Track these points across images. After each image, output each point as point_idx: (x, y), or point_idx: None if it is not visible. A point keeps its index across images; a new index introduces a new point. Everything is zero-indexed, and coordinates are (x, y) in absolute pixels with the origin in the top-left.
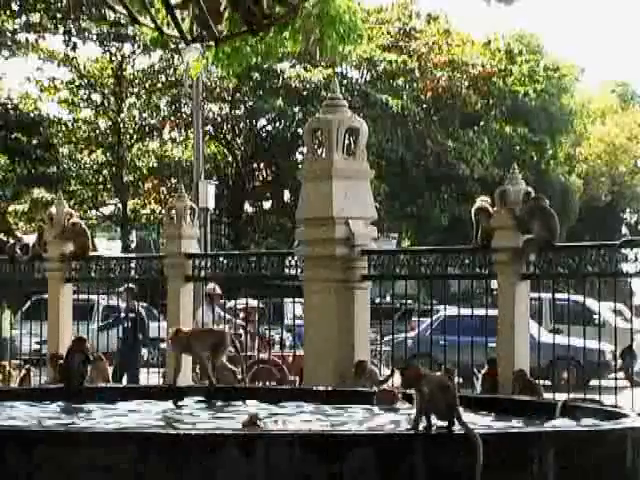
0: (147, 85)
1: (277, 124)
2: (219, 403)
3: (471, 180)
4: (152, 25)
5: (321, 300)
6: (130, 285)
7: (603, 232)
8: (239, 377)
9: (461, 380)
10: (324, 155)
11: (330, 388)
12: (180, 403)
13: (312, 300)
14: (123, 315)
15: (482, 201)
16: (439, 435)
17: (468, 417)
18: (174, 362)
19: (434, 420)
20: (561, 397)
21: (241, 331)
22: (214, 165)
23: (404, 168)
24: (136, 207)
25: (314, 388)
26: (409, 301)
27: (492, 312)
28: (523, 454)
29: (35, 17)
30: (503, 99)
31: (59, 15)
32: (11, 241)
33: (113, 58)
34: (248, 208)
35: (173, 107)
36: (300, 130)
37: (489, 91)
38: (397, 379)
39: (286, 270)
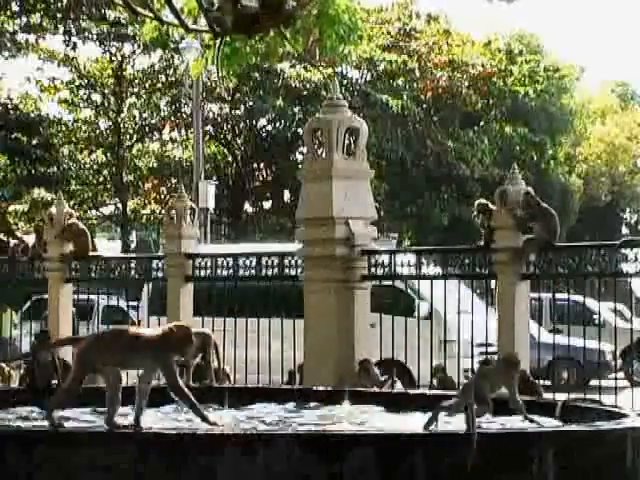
0: (147, 85)
1: (277, 124)
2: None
3: (471, 180)
4: (151, 15)
5: (321, 300)
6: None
7: (603, 232)
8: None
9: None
10: (324, 155)
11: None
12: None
13: (312, 300)
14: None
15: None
16: (439, 435)
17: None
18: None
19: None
20: (561, 397)
21: None
22: (214, 165)
23: (404, 168)
24: (136, 207)
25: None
26: None
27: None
28: (523, 454)
29: (35, 18)
30: (503, 99)
31: (59, 15)
32: (12, 241)
33: (113, 58)
34: (248, 208)
35: (173, 107)
36: (300, 130)
37: (489, 91)
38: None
39: (286, 270)
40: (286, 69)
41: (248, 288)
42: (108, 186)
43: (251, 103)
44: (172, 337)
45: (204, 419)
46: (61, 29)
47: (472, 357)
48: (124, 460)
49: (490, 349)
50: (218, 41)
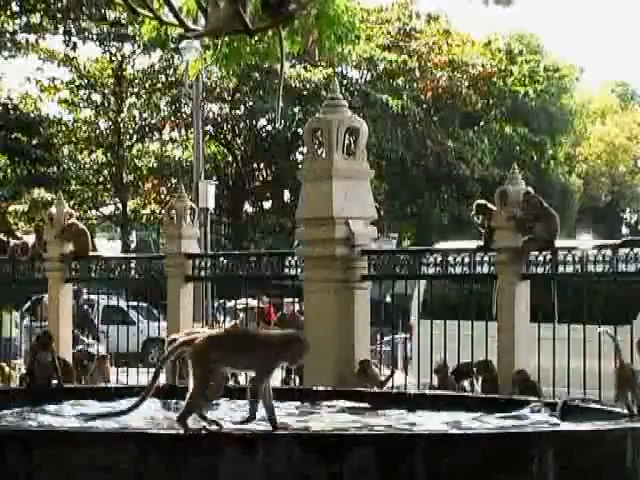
0: (147, 85)
1: (277, 124)
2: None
3: (471, 180)
4: (150, 15)
5: (321, 300)
6: (79, 287)
7: (603, 232)
8: None
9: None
10: (324, 155)
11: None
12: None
13: (312, 300)
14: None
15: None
16: (439, 435)
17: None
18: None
19: None
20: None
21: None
22: (214, 165)
23: (404, 168)
24: (136, 207)
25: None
26: None
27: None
28: (523, 454)
29: (35, 18)
30: (503, 99)
31: (59, 15)
32: (12, 241)
33: (113, 58)
34: (248, 208)
35: (173, 107)
36: (300, 130)
37: (489, 91)
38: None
39: (286, 270)
40: (286, 69)
41: None
42: (108, 186)
43: (251, 103)
44: (291, 343)
45: (249, 419)
46: (61, 29)
47: None
48: (124, 460)
49: None
50: (219, 40)
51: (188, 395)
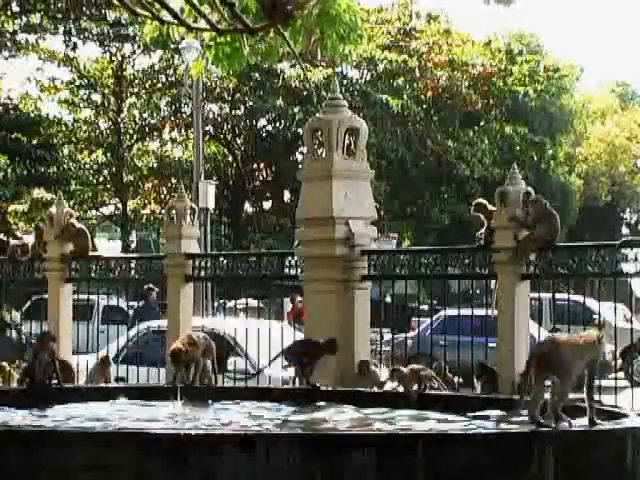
0: (147, 85)
1: (277, 124)
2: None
3: (471, 180)
4: (150, 15)
5: (321, 300)
6: (150, 286)
7: (603, 232)
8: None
9: (461, 380)
10: (324, 155)
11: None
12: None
13: (312, 300)
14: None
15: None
16: (439, 435)
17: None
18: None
19: None
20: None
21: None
22: (214, 165)
23: (404, 168)
24: (136, 207)
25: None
26: None
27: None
28: (523, 454)
29: (35, 18)
30: (503, 99)
31: (59, 15)
32: (12, 241)
33: (113, 58)
34: (248, 208)
35: (173, 107)
36: (300, 130)
37: (489, 91)
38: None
39: (286, 270)
40: (286, 69)
41: None
42: (108, 186)
43: (251, 103)
44: (594, 342)
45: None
46: (61, 29)
47: None
48: (124, 460)
49: None
50: (219, 39)
51: (556, 395)
